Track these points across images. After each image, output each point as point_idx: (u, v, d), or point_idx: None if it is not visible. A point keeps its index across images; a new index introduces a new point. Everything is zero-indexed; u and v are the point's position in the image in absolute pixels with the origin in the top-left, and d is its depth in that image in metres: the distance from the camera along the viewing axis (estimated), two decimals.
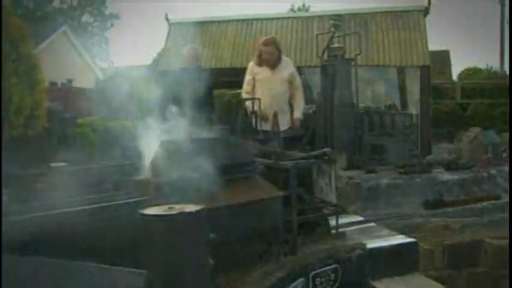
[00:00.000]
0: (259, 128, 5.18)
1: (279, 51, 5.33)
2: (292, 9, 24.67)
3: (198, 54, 5.89)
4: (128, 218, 2.23)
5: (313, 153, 3.71)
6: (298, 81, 5.44)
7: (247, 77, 5.51)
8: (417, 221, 6.24)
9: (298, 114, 5.44)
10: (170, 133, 2.93)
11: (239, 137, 3.70)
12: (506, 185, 7.17)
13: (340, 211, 3.65)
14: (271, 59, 5.28)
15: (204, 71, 5.77)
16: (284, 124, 5.23)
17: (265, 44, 5.37)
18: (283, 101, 5.38)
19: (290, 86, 5.37)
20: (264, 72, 5.37)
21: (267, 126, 5.12)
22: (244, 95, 5.52)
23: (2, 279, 1.77)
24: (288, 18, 12.72)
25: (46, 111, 5.63)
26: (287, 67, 5.36)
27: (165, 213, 2.13)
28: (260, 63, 5.38)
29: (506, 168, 7.52)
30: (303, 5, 26.22)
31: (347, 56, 8.53)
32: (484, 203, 6.86)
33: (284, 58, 5.41)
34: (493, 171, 7.54)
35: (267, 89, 5.27)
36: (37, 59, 5.65)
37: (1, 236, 1.88)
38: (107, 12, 28.13)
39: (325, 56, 8.25)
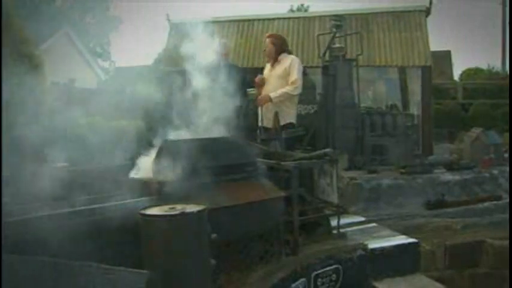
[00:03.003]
0: (260, 126, 5.13)
1: (275, 46, 5.13)
2: (291, 10, 24.58)
3: (227, 50, 5.52)
4: (128, 218, 2.22)
5: (315, 153, 3.70)
6: (294, 76, 5.01)
7: None
8: (419, 222, 6.23)
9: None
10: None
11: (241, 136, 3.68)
12: (508, 185, 7.15)
13: (341, 211, 3.64)
14: (268, 54, 5.25)
15: (237, 68, 5.54)
16: (285, 120, 5.08)
17: (266, 37, 5.35)
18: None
19: (286, 82, 5.08)
20: (267, 69, 5.35)
21: (269, 124, 5.05)
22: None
23: (2, 279, 1.77)
24: (289, 18, 12.70)
25: (47, 112, 5.61)
26: (284, 63, 5.11)
27: (166, 213, 2.13)
28: (267, 59, 5.37)
29: (508, 169, 7.50)
30: (302, 5, 26.11)
31: (348, 56, 8.52)
32: (486, 204, 6.85)
33: (285, 55, 5.16)
34: (495, 172, 7.52)
35: (265, 89, 5.21)
36: (40, 59, 5.64)
37: (1, 236, 1.88)
38: (109, 14, 28.08)
39: (327, 57, 8.25)
